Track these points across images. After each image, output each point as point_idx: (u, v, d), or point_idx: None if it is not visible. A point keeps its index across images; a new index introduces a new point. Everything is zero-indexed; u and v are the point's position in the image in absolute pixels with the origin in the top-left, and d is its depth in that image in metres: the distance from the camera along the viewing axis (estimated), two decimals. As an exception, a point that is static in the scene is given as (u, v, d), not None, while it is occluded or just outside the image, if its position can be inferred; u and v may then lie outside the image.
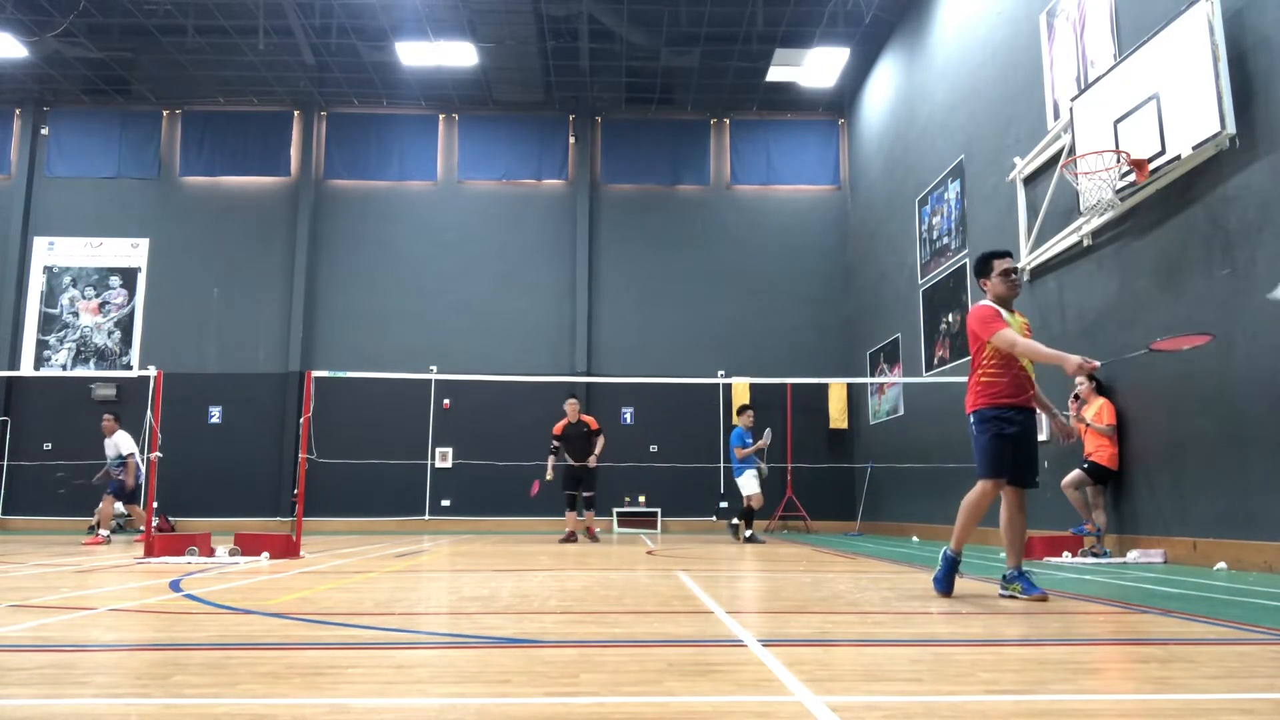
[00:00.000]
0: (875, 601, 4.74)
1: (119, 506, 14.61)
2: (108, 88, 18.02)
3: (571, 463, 12.23)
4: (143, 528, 12.62)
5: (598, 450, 12.21)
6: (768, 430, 12.54)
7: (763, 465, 12.34)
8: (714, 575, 6.46)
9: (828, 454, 17.29)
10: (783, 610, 4.36)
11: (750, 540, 11.84)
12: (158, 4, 15.60)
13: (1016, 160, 10.71)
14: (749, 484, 12.23)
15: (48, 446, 17.01)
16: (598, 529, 13.00)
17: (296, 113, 18.61)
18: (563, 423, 12.44)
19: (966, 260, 12.44)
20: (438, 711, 2.20)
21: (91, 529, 15.17)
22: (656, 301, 18.07)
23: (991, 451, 4.88)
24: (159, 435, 8.66)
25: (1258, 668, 2.80)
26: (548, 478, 12.41)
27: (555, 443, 12.42)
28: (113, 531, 15.00)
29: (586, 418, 12.52)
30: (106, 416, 12.76)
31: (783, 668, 2.72)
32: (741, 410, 12.75)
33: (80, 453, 15.90)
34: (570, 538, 12.00)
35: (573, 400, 12.69)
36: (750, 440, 12.28)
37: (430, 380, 16.48)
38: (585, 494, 12.27)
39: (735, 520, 12.71)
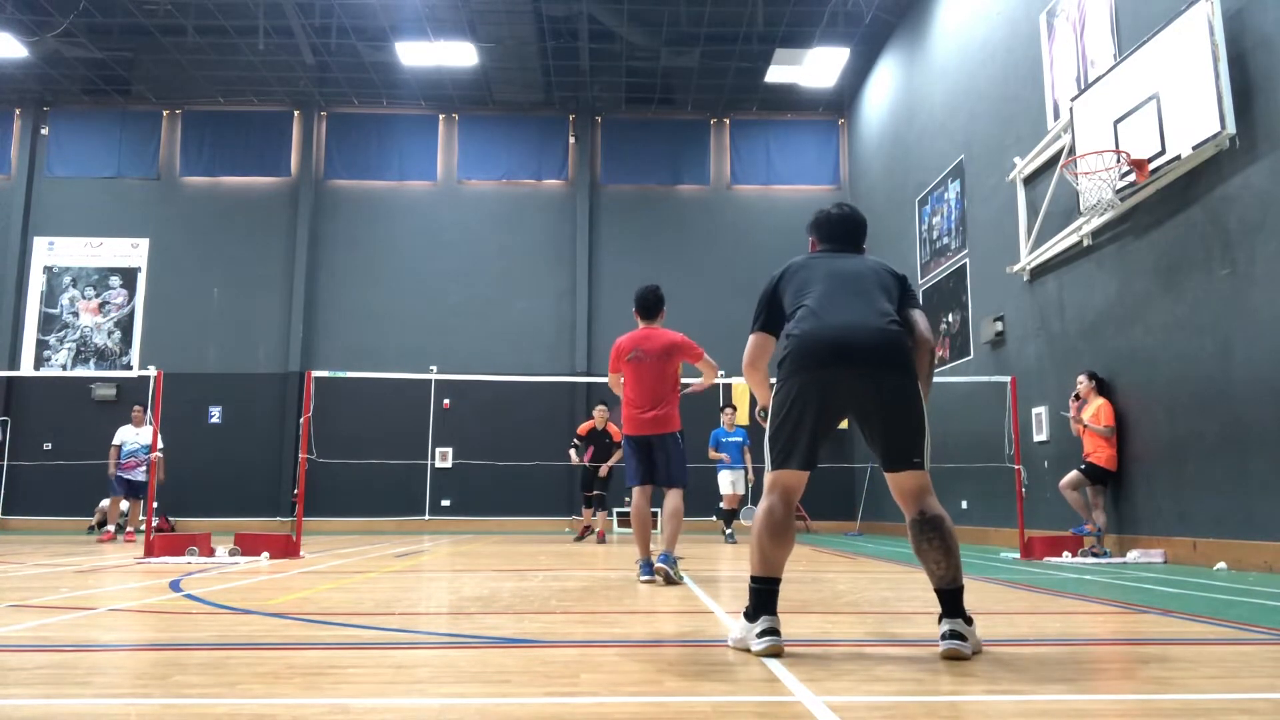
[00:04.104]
0: (875, 601, 4.75)
1: (121, 505, 14.62)
2: (108, 88, 18.02)
3: (587, 465, 12.41)
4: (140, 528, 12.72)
5: (613, 460, 12.38)
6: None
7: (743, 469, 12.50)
8: (714, 575, 6.47)
9: (828, 454, 17.22)
10: (783, 610, 4.33)
11: (727, 538, 12.06)
12: (158, 4, 15.59)
13: (1016, 160, 10.71)
14: (721, 484, 12.44)
15: (48, 446, 17.00)
16: (604, 530, 13.13)
17: (296, 113, 18.61)
18: (588, 425, 12.63)
19: (967, 260, 12.45)
20: (438, 711, 2.20)
21: (92, 529, 15.17)
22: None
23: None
24: (159, 435, 8.67)
25: (1258, 668, 2.80)
26: (574, 461, 12.62)
27: (576, 441, 12.70)
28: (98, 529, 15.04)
29: (611, 426, 12.60)
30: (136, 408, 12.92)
31: (783, 668, 2.72)
32: (724, 408, 12.93)
33: (80, 453, 15.91)
34: (582, 536, 12.47)
35: (602, 407, 12.75)
36: (723, 440, 12.47)
37: (430, 380, 16.47)
38: (596, 493, 12.47)
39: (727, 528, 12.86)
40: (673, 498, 5.89)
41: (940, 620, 2.97)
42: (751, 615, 3.03)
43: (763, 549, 3.06)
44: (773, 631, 2.96)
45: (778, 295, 3.33)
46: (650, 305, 6.21)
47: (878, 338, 3.06)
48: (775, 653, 2.92)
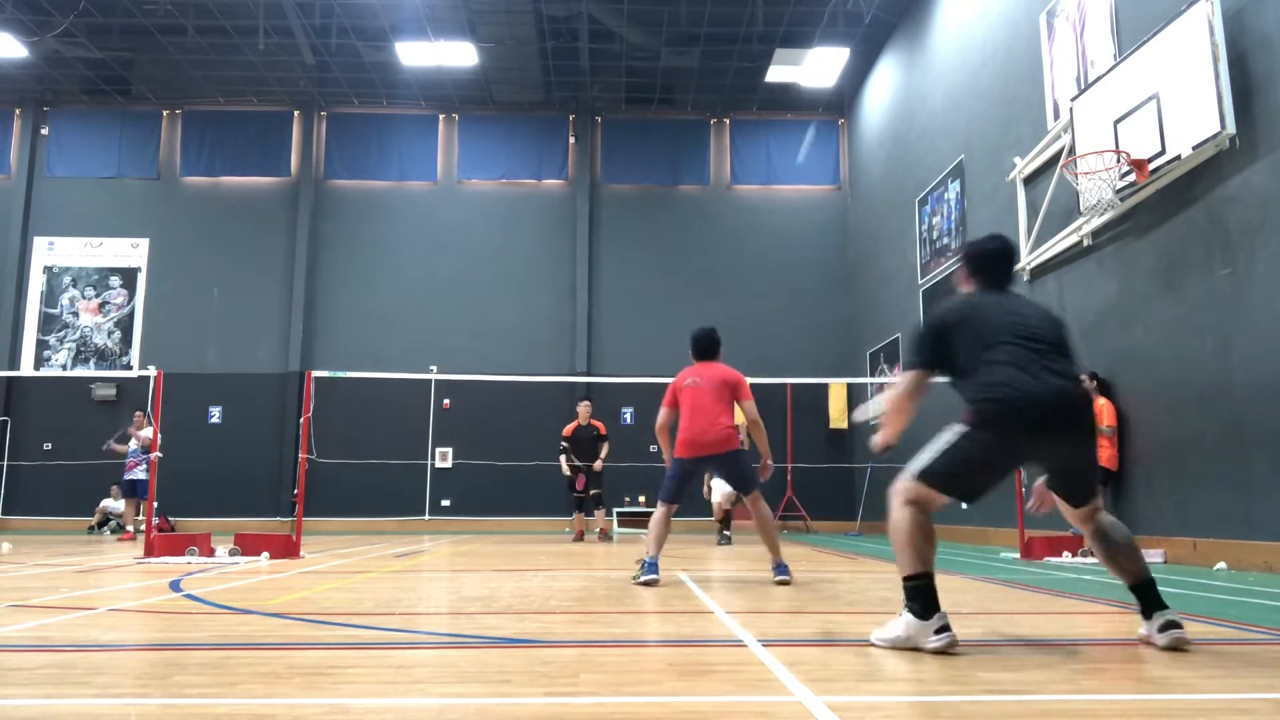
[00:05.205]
0: (875, 601, 4.74)
1: (117, 504, 14.67)
2: (108, 88, 18.02)
3: (579, 464, 12.36)
4: (129, 526, 12.93)
5: (603, 454, 12.37)
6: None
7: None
8: (714, 575, 6.46)
9: (828, 454, 17.28)
10: (783, 610, 4.36)
11: (721, 540, 11.99)
12: (158, 4, 15.60)
13: (1016, 160, 10.71)
14: (715, 493, 12.36)
15: (48, 446, 17.01)
16: (609, 529, 13.11)
17: (296, 113, 18.61)
18: (573, 425, 12.63)
19: (966, 260, 12.43)
20: (438, 711, 2.20)
21: (92, 529, 15.18)
22: (656, 301, 18.05)
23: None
24: (159, 435, 8.67)
25: (1258, 668, 2.80)
26: (566, 473, 12.50)
27: (564, 444, 12.59)
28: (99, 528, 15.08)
29: (596, 422, 12.63)
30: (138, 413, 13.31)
31: (783, 668, 2.72)
32: None
33: (80, 453, 15.92)
34: (580, 537, 12.33)
35: (585, 403, 12.74)
36: None
37: (430, 380, 16.47)
38: (592, 492, 12.43)
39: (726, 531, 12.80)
40: (758, 507, 5.88)
41: (1150, 616, 3.12)
42: (924, 613, 3.01)
43: (918, 547, 3.11)
44: (949, 628, 2.98)
45: (949, 336, 3.32)
46: (707, 346, 6.17)
47: (1072, 408, 3.16)
48: (953, 647, 2.94)
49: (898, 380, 3.45)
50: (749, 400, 5.98)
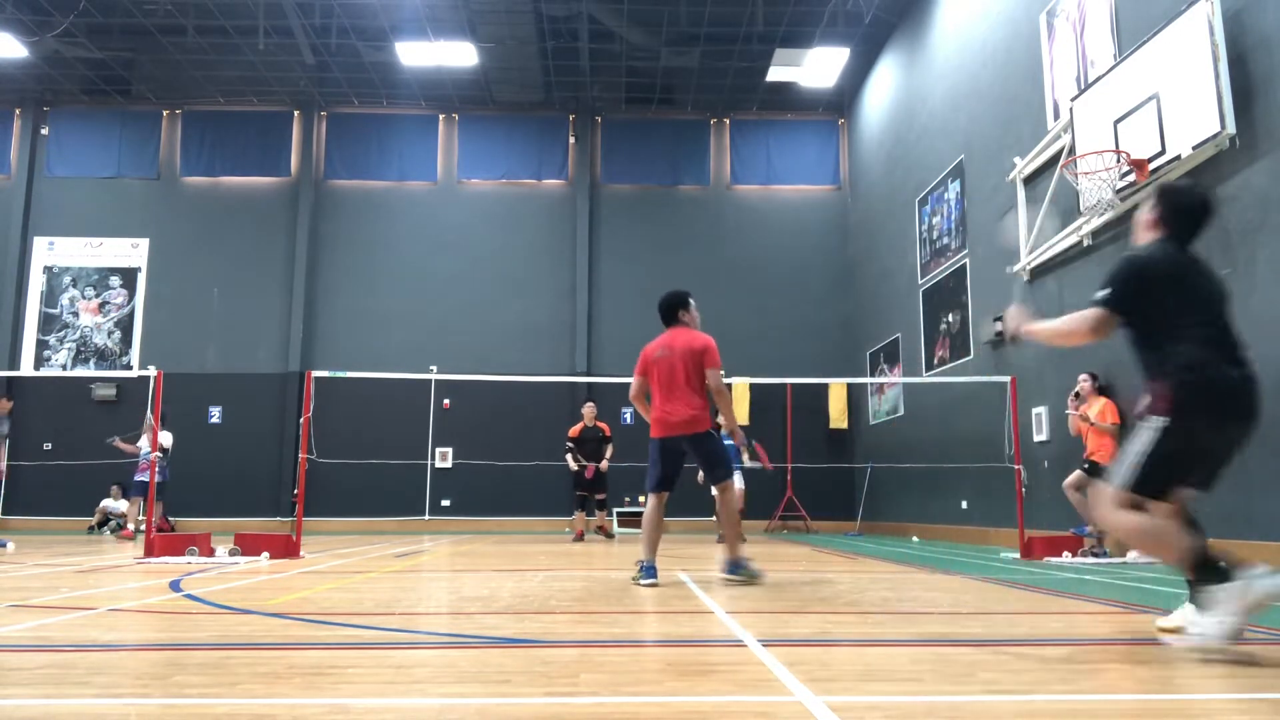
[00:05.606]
0: (875, 601, 4.74)
1: (120, 505, 14.66)
2: (108, 88, 18.02)
3: (584, 464, 12.42)
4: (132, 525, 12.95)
5: (607, 455, 12.42)
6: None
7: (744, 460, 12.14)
8: (714, 575, 6.46)
9: (828, 454, 17.28)
10: (783, 610, 4.36)
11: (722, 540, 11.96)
12: (158, 4, 15.60)
13: (1016, 160, 10.71)
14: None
15: (48, 446, 17.01)
16: (610, 527, 13.18)
17: (296, 113, 18.61)
18: (579, 426, 12.72)
19: (967, 260, 12.45)
20: (438, 711, 2.20)
21: (92, 529, 15.18)
22: (656, 301, 17.99)
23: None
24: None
25: (1258, 668, 2.80)
26: (573, 468, 12.50)
27: (569, 444, 12.66)
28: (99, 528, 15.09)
29: (601, 423, 12.69)
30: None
31: (783, 668, 2.72)
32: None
33: (80, 453, 15.93)
34: (580, 538, 12.30)
35: (590, 405, 12.82)
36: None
37: (430, 380, 16.46)
38: (598, 496, 12.52)
39: None
40: (725, 497, 5.77)
41: (1233, 577, 3.06)
42: (1229, 578, 2.94)
43: (1173, 537, 3.02)
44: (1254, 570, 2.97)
45: (1156, 289, 3.10)
46: (669, 309, 6.08)
47: (1259, 399, 3.08)
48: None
49: (1082, 312, 3.20)
50: (714, 368, 5.76)
